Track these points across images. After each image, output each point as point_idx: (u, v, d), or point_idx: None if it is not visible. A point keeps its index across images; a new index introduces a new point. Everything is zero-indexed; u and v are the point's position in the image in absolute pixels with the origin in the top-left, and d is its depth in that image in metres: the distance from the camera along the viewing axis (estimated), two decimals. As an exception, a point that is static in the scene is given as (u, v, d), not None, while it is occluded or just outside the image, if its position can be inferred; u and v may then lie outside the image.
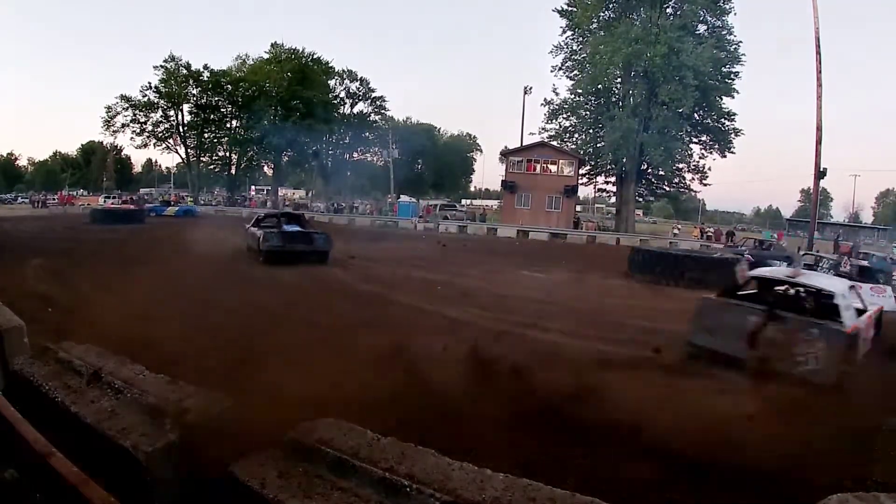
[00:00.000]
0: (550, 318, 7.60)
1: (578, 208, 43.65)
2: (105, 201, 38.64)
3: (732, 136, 34.06)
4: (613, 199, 43.39)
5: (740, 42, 32.48)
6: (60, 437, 1.27)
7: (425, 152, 60.73)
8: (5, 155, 74.55)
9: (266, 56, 46.01)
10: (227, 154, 47.89)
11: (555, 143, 35.84)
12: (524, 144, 36.29)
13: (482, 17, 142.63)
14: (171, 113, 44.61)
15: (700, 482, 2.99)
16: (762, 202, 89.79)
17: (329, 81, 49.52)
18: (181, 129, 44.91)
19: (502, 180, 36.72)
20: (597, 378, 4.51)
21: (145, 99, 43.26)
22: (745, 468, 3.02)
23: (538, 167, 33.99)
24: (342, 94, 51.50)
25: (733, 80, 32.51)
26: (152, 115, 43.80)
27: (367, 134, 53.26)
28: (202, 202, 42.84)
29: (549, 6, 37.74)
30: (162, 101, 43.69)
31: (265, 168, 51.56)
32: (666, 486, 2.96)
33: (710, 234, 34.24)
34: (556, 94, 37.31)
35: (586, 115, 36.18)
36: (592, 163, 37.10)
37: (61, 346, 1.78)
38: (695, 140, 35.22)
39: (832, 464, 3.20)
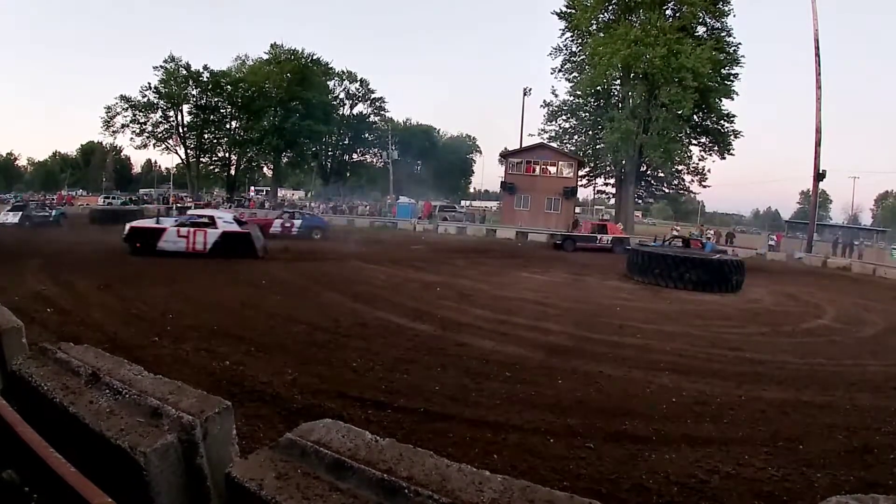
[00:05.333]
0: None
1: (578, 210, 43.73)
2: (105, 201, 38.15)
3: (732, 137, 34.20)
4: (613, 201, 43.48)
5: (740, 44, 32.65)
6: (59, 437, 1.27)
7: (425, 153, 60.88)
8: (5, 155, 74.73)
9: (266, 57, 46.25)
10: (227, 155, 47.96)
11: (554, 144, 35.93)
12: (523, 146, 36.36)
13: (482, 19, 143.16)
14: (171, 113, 44.73)
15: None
16: (761, 204, 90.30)
17: (329, 82, 49.67)
18: (181, 130, 44.96)
19: (501, 181, 36.79)
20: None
21: (145, 99, 43.42)
22: None
23: (537, 168, 34.03)
24: (342, 95, 51.67)
25: (733, 81, 32.63)
26: (152, 115, 43.93)
27: (367, 135, 53.35)
28: (201, 202, 42.78)
29: (548, 8, 37.82)
30: (162, 102, 43.77)
31: (265, 169, 51.62)
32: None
33: (709, 235, 34.29)
34: (556, 95, 37.56)
35: (585, 116, 36.28)
36: (592, 164, 37.23)
37: (59, 347, 1.78)
38: (694, 142, 35.34)
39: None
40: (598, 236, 21.92)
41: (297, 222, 18.53)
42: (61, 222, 21.40)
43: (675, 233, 23.75)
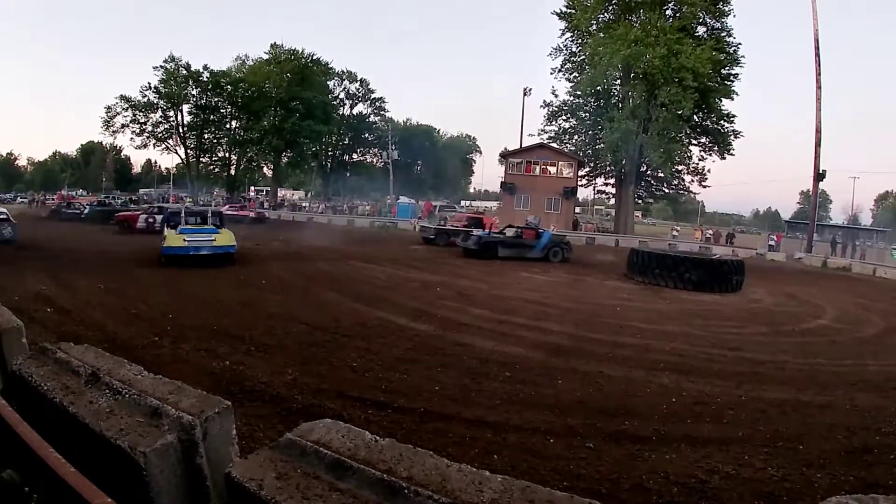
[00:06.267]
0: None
1: (577, 210, 43.70)
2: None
3: (732, 137, 34.14)
4: (612, 201, 43.47)
5: (740, 44, 32.58)
6: (59, 437, 1.27)
7: (425, 153, 60.90)
8: (5, 155, 74.78)
9: (266, 57, 46.12)
10: (227, 155, 47.89)
11: (554, 144, 35.88)
12: (523, 146, 36.32)
13: (482, 19, 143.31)
14: (171, 113, 44.64)
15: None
16: (761, 204, 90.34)
17: (328, 82, 49.62)
18: (181, 130, 44.89)
19: (501, 182, 36.74)
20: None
21: (145, 99, 43.30)
22: None
23: (537, 169, 34.00)
24: (342, 95, 51.64)
25: (733, 81, 32.58)
26: (152, 115, 43.82)
27: (367, 135, 53.34)
28: (202, 202, 42.75)
29: (548, 8, 37.80)
30: (162, 102, 43.69)
31: (265, 169, 51.58)
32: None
33: (709, 235, 34.32)
34: (556, 95, 37.46)
35: (585, 116, 36.21)
36: (592, 164, 37.18)
37: (59, 347, 1.78)
38: (694, 142, 35.28)
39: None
40: (473, 230, 19.76)
41: (159, 217, 19.60)
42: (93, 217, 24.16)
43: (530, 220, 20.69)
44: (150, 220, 19.42)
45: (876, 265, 21.34)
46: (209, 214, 13.34)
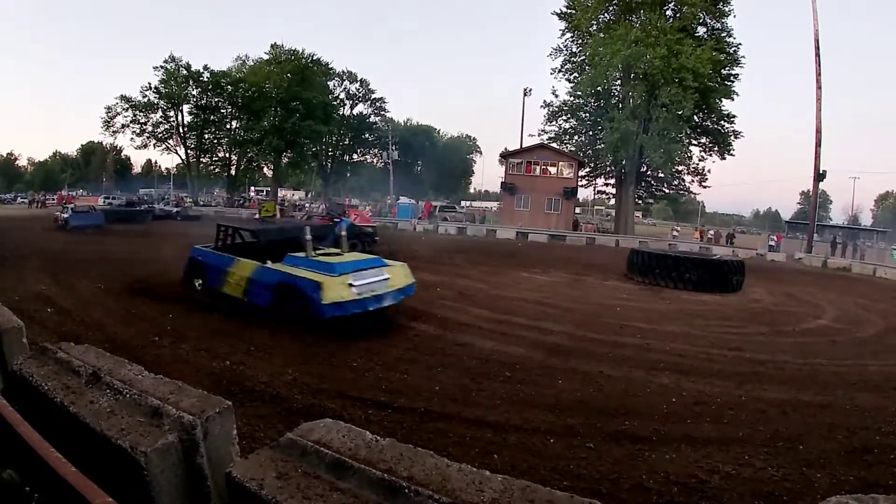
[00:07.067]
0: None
1: (578, 210, 43.68)
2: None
3: (732, 138, 34.14)
4: (613, 201, 43.46)
5: (740, 44, 32.58)
6: (59, 437, 1.27)
7: (425, 153, 60.92)
8: (5, 155, 74.82)
9: (266, 57, 46.14)
10: (227, 155, 47.93)
11: (554, 144, 35.87)
12: (524, 146, 36.32)
13: (482, 19, 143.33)
14: (171, 113, 44.74)
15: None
16: (761, 204, 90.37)
17: (329, 82, 49.62)
18: (181, 130, 44.96)
19: (502, 182, 36.76)
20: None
21: (145, 99, 43.39)
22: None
23: (537, 169, 34.00)
24: (342, 96, 51.66)
25: (733, 82, 32.58)
26: (152, 115, 43.95)
27: (367, 135, 53.36)
28: (202, 203, 42.73)
29: (549, 8, 37.77)
30: (162, 102, 43.78)
31: (265, 169, 51.58)
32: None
33: (710, 236, 34.32)
34: (556, 95, 37.49)
35: (586, 116, 36.20)
36: (592, 165, 37.17)
37: (60, 347, 1.78)
38: (694, 142, 35.28)
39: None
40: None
41: (66, 215, 21.73)
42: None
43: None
44: (60, 217, 21.36)
45: (876, 265, 21.32)
46: (343, 233, 7.82)
